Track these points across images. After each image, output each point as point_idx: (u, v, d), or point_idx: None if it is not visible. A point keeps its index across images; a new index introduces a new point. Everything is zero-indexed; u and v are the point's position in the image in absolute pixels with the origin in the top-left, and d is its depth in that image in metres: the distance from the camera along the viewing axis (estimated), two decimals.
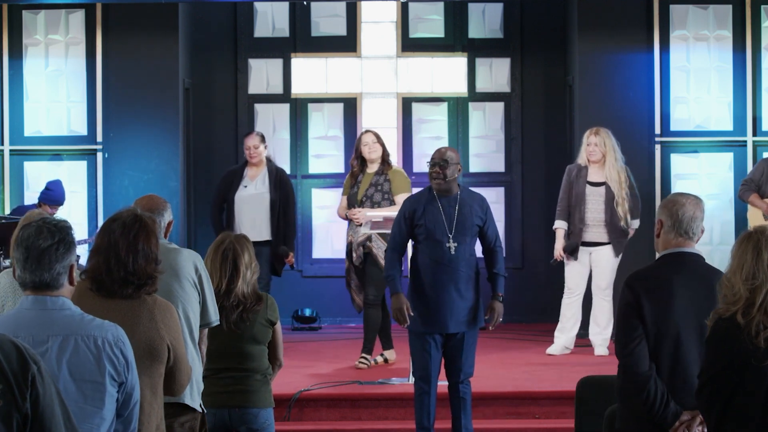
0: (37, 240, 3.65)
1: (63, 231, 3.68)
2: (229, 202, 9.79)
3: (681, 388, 4.74)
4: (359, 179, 9.39)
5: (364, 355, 9.28)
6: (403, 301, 7.28)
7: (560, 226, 9.63)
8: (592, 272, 9.63)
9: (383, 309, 9.32)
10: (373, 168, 9.40)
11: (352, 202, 9.33)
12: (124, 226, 4.43)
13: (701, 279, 4.79)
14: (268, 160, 9.90)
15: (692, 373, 4.71)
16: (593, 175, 9.57)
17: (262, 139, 9.88)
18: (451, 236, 7.28)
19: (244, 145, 9.90)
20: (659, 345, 4.75)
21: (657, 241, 4.92)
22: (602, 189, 9.53)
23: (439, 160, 7.34)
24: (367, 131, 9.60)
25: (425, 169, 11.11)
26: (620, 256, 9.60)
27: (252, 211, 9.73)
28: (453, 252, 7.26)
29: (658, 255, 4.97)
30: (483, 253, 7.50)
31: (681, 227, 4.81)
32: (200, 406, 5.49)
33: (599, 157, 9.54)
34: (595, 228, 9.56)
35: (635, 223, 9.61)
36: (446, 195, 7.34)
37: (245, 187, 9.80)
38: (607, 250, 9.55)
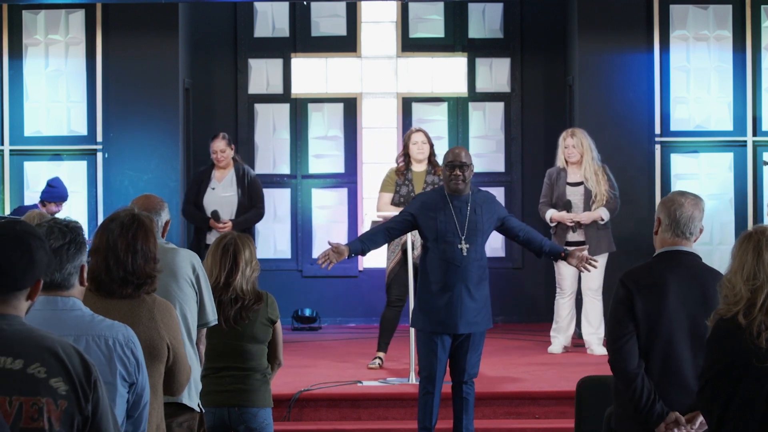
0: (48, 240, 3.65)
1: (74, 231, 3.69)
2: (198, 206, 9.74)
3: (672, 388, 4.73)
4: (409, 177, 9.32)
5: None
6: (339, 249, 7.18)
7: (552, 212, 9.59)
8: (581, 273, 9.61)
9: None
10: (420, 167, 9.32)
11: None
12: (122, 226, 4.43)
13: (696, 278, 4.78)
14: (235, 161, 9.88)
15: (684, 372, 4.71)
16: (572, 175, 9.62)
17: (229, 142, 9.85)
18: (463, 237, 7.26)
19: (210, 148, 9.85)
20: (650, 344, 4.74)
21: (655, 238, 4.93)
22: (581, 188, 9.59)
23: (458, 163, 7.29)
24: (418, 130, 9.44)
25: None
26: (606, 256, 9.55)
27: (221, 213, 9.70)
28: (465, 253, 7.25)
29: (655, 253, 4.99)
30: (520, 239, 7.41)
31: (678, 227, 4.82)
32: (198, 405, 5.49)
33: (577, 158, 9.58)
34: (577, 228, 9.56)
35: (602, 211, 9.50)
36: (458, 196, 7.32)
37: (213, 189, 9.77)
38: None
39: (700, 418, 4.70)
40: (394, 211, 9.01)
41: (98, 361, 3.66)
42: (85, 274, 3.72)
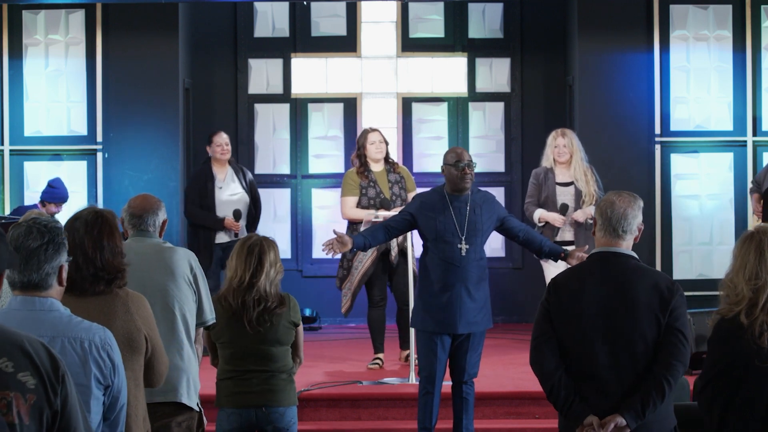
0: (26, 240, 3.64)
1: (53, 231, 3.67)
2: (207, 206, 9.70)
3: (590, 391, 4.68)
4: (372, 179, 9.29)
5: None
6: (343, 239, 7.24)
7: (541, 211, 9.54)
8: None
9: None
10: (379, 167, 9.31)
11: (386, 204, 9.12)
12: (86, 225, 4.47)
13: (621, 280, 4.68)
14: (229, 161, 9.93)
15: (601, 375, 4.64)
16: (560, 175, 9.58)
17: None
18: (462, 237, 7.26)
19: (214, 143, 9.84)
20: (567, 345, 4.70)
21: (594, 239, 4.89)
22: (571, 188, 9.55)
23: (469, 161, 7.29)
24: (374, 130, 9.41)
25: (426, 168, 11.21)
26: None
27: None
28: (464, 253, 7.25)
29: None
30: (520, 240, 7.44)
31: (610, 225, 4.75)
32: (197, 405, 5.49)
33: (567, 157, 9.55)
34: (565, 227, 9.55)
35: (589, 209, 9.49)
36: (458, 196, 7.32)
37: (220, 188, 9.78)
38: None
39: (613, 423, 4.62)
40: (365, 213, 9.02)
41: (73, 363, 3.66)
42: (65, 275, 3.70)
